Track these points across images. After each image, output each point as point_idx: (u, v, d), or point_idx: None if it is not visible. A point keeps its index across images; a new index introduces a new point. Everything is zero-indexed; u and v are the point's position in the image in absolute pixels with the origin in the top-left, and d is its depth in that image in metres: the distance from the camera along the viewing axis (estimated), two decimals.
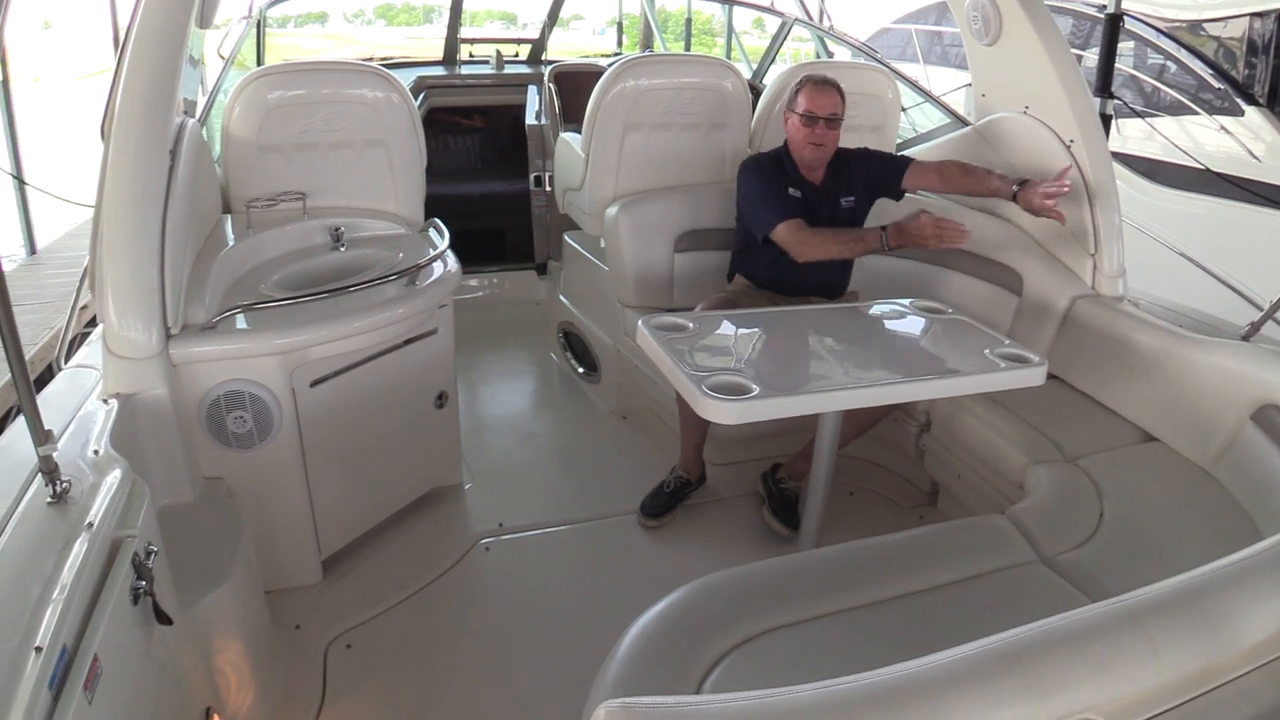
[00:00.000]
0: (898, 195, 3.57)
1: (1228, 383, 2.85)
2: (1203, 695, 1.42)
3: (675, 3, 14.10)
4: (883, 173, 3.52)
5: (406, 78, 5.29)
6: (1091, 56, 6.82)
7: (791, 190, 3.47)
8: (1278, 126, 6.56)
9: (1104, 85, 4.85)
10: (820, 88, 3.36)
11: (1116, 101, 5.10)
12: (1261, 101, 6.74)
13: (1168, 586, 1.49)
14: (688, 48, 11.80)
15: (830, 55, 6.55)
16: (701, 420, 3.22)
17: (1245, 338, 3.03)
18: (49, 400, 2.41)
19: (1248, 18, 6.96)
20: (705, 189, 4.11)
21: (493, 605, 3.04)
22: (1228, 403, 2.83)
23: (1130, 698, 1.36)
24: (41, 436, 1.77)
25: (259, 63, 5.46)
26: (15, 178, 7.35)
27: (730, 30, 9.64)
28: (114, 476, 1.93)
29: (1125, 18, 5.70)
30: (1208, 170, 6.16)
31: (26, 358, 1.77)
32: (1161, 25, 7.54)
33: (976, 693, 1.28)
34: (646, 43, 10.07)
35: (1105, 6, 5.03)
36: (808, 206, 3.44)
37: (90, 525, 1.74)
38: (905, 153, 4.56)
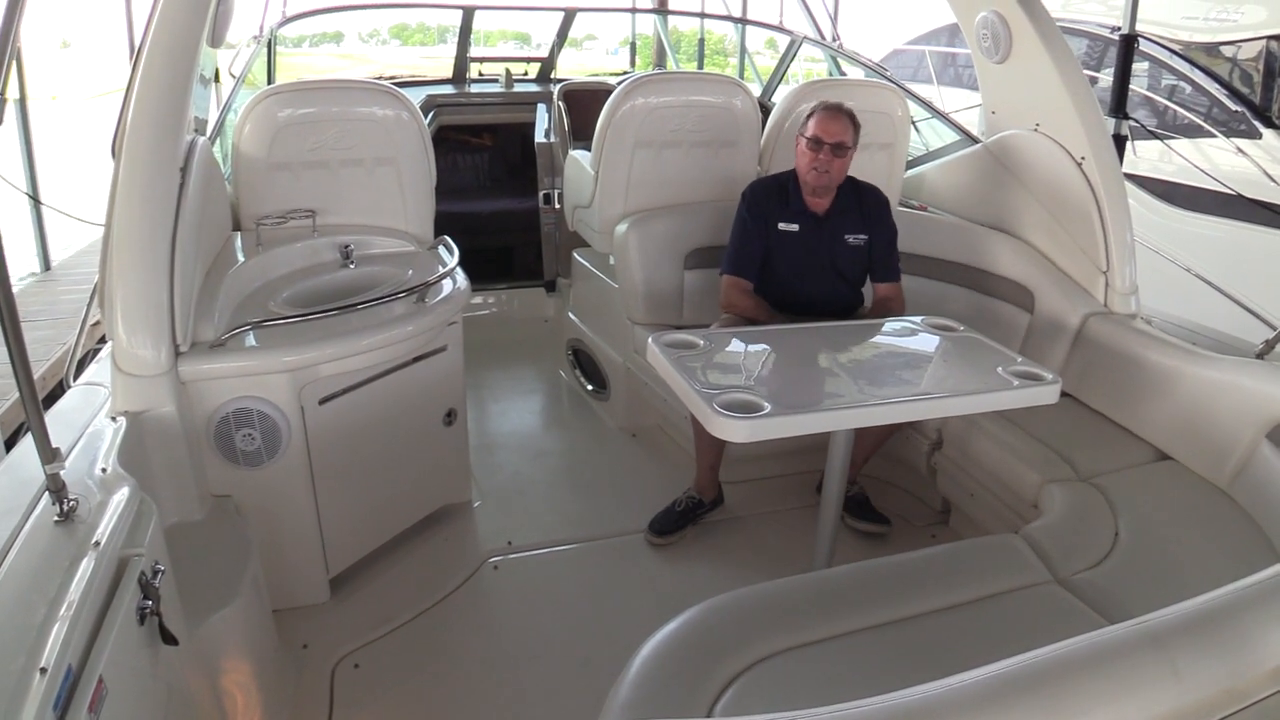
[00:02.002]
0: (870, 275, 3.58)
1: (1243, 401, 2.82)
2: (1225, 719, 1.40)
3: (688, 23, 14.15)
4: (878, 243, 3.50)
5: (416, 96, 5.32)
6: (1106, 78, 6.82)
7: (784, 225, 3.44)
8: None
9: (1118, 105, 4.84)
10: (832, 114, 3.32)
11: (1132, 123, 5.08)
12: (1279, 124, 6.72)
13: (1188, 608, 1.47)
14: (700, 68, 11.84)
15: (843, 74, 6.56)
16: (716, 441, 3.22)
17: (1260, 355, 3.00)
18: (58, 417, 2.41)
19: (1265, 40, 6.94)
20: (715, 206, 4.11)
21: (502, 624, 3.02)
22: (1243, 421, 2.81)
23: None
24: (49, 455, 1.76)
25: (270, 81, 5.49)
26: (30, 197, 7.40)
27: (743, 50, 9.66)
28: (121, 495, 1.92)
29: (1141, 39, 5.68)
30: (1240, 196, 6.10)
31: (38, 374, 1.77)
32: (1177, 47, 7.53)
33: (996, 716, 1.26)
34: (659, 63, 10.10)
35: (1119, 28, 5.02)
36: (799, 242, 3.43)
37: (97, 544, 1.72)
38: (916, 170, 4.57)
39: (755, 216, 3.46)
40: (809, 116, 3.38)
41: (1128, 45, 4.80)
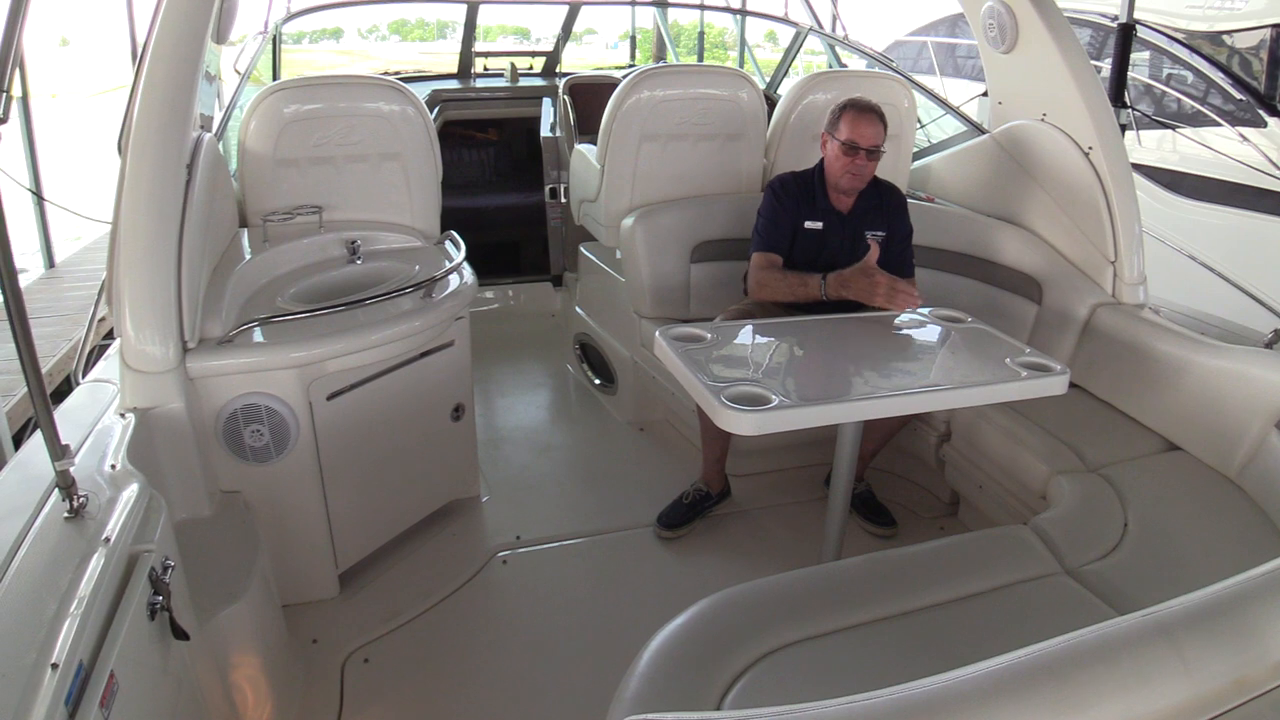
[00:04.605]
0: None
1: (1251, 391, 2.81)
2: (1234, 709, 1.39)
3: (688, 16, 14.12)
4: (895, 239, 3.44)
5: (421, 91, 5.32)
6: (1105, 67, 6.79)
7: (810, 223, 3.39)
8: None
9: (1117, 95, 4.81)
10: (866, 117, 3.22)
11: (1132, 112, 5.06)
12: None
13: (1197, 598, 1.47)
14: (700, 61, 11.82)
15: (843, 65, 6.54)
16: (722, 434, 3.22)
17: (1269, 345, 2.99)
18: (66, 414, 2.41)
19: (1269, 29, 6.92)
20: (721, 199, 4.10)
21: (510, 618, 3.03)
22: (1252, 411, 2.80)
23: (1161, 712, 1.33)
24: (58, 451, 1.77)
25: (275, 78, 5.49)
26: (34, 194, 7.41)
27: (742, 43, 9.62)
28: (131, 491, 1.93)
29: (1145, 28, 5.63)
30: None
31: (43, 370, 1.77)
32: (1180, 36, 7.50)
33: (1006, 708, 1.25)
34: (659, 56, 10.08)
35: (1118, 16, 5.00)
36: (822, 240, 3.40)
37: (107, 540, 1.73)
38: (922, 161, 4.56)
39: (785, 207, 3.40)
40: (839, 117, 3.27)
41: (1125, 34, 4.78)
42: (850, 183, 3.31)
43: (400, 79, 4.17)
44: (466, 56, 6.88)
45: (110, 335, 2.70)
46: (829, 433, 2.81)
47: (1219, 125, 6.95)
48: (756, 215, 3.47)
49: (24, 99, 7.46)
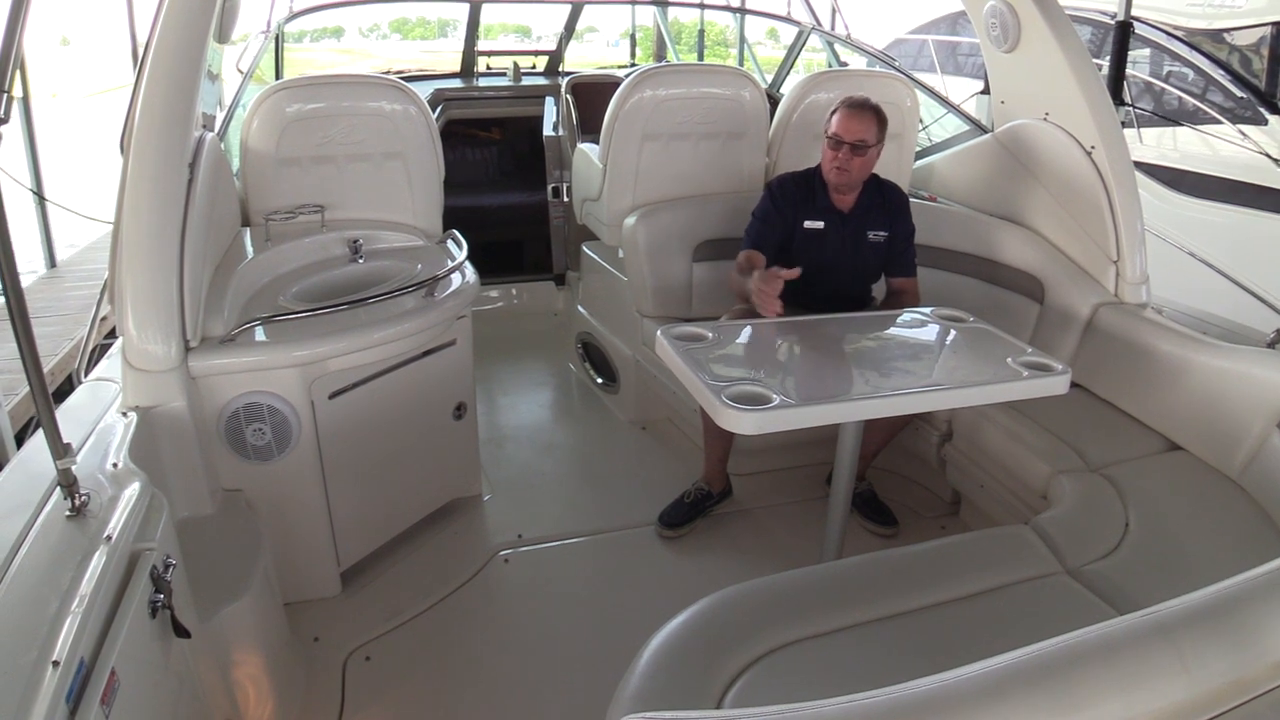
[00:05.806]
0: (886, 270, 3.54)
1: (1254, 391, 2.81)
2: (1233, 709, 1.39)
3: (688, 14, 14.09)
4: (897, 238, 3.45)
5: (424, 90, 5.32)
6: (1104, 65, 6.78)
7: (810, 223, 3.40)
8: None
9: (1114, 93, 4.80)
10: (853, 112, 3.24)
11: (1133, 109, 5.04)
12: None
13: (1197, 598, 1.47)
14: (700, 59, 11.80)
15: (843, 64, 6.54)
16: (725, 433, 3.22)
17: (1271, 345, 2.99)
18: (68, 413, 2.41)
19: (1270, 26, 6.91)
20: (723, 198, 4.10)
21: (512, 617, 3.03)
22: (1254, 411, 2.79)
23: (1160, 712, 1.33)
24: (60, 450, 1.77)
25: (277, 77, 5.49)
26: (35, 193, 7.41)
27: (742, 41, 9.61)
28: (133, 489, 1.93)
29: (1145, 26, 5.61)
30: None
31: (45, 370, 1.77)
32: (1180, 34, 7.49)
33: (1005, 707, 1.25)
34: (660, 54, 10.07)
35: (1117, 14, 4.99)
36: (822, 239, 3.40)
37: (109, 538, 1.73)
38: (925, 160, 4.56)
39: (779, 209, 3.41)
40: (832, 113, 3.31)
41: (1123, 31, 4.77)
42: (837, 177, 3.31)
43: (403, 78, 4.18)
44: (469, 55, 6.88)
45: (112, 334, 2.70)
46: (830, 432, 2.81)
47: (1219, 123, 6.95)
48: (751, 215, 3.48)
49: (25, 99, 7.46)
